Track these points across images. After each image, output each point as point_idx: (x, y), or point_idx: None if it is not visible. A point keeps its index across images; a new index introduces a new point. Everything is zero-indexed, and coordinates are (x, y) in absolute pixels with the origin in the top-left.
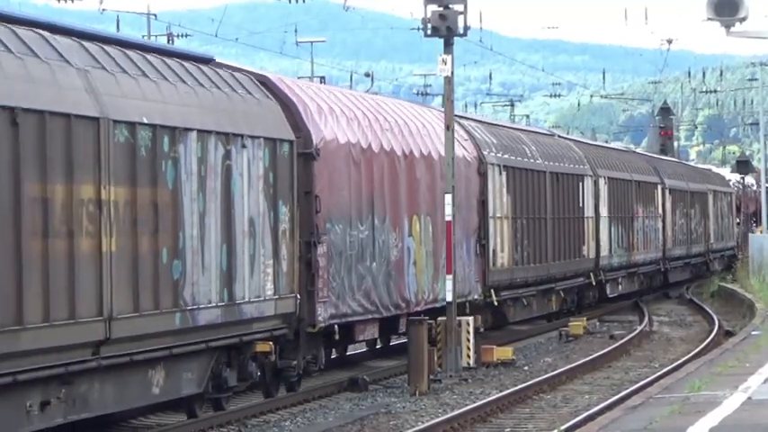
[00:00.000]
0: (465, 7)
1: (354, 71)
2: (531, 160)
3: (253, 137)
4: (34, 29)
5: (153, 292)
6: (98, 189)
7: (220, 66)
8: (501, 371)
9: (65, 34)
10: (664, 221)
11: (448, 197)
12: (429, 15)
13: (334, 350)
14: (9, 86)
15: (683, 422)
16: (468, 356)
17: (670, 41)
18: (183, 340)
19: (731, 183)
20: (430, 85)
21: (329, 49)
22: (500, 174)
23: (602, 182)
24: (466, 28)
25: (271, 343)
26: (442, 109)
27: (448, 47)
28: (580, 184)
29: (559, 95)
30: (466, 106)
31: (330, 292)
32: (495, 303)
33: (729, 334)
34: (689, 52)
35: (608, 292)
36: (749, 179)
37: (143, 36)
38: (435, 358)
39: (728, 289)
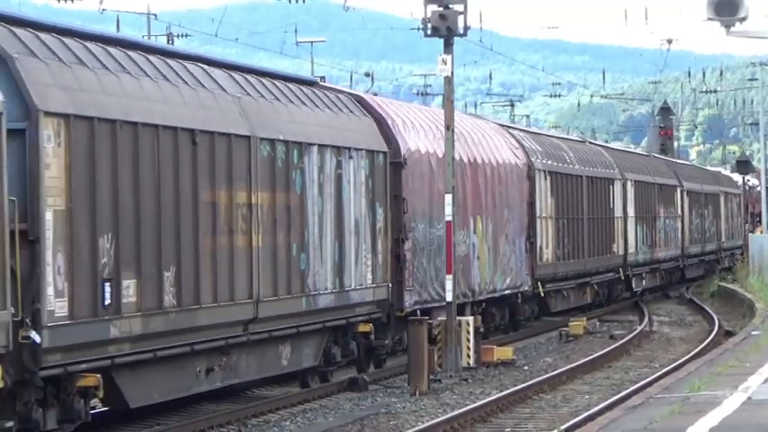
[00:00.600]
0: (465, 7)
1: (354, 71)
2: (570, 165)
3: (356, 149)
4: (198, 63)
5: (287, 279)
6: (249, 195)
7: (323, 87)
8: (501, 371)
9: (216, 66)
10: (682, 221)
11: (448, 197)
12: (429, 15)
13: None
14: (190, 113)
15: (683, 422)
16: (469, 356)
17: (670, 41)
18: (306, 321)
19: (738, 184)
20: (430, 85)
21: (329, 49)
22: (545, 178)
23: (629, 185)
24: (466, 28)
25: (371, 324)
26: (496, 120)
27: (448, 47)
28: (611, 186)
29: (559, 95)
30: (466, 106)
31: (414, 282)
32: (542, 294)
33: (729, 334)
34: (689, 52)
35: (633, 286)
36: (753, 180)
37: (143, 36)
38: (435, 358)
39: (728, 289)
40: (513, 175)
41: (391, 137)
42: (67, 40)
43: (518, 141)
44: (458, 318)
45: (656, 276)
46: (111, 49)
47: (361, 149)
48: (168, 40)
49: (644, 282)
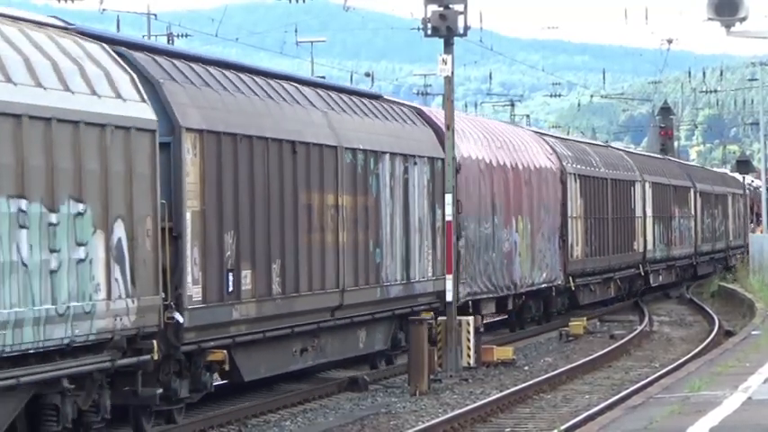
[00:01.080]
0: (465, 7)
1: (354, 71)
2: (597, 169)
3: (420, 156)
4: (291, 82)
5: (365, 272)
6: (336, 197)
7: (386, 101)
8: (501, 371)
9: (305, 84)
10: (695, 221)
11: (448, 197)
12: (429, 15)
13: None
14: (291, 127)
15: (683, 422)
16: (469, 356)
17: (670, 41)
18: (379, 308)
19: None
20: (430, 85)
21: (329, 49)
22: (575, 181)
23: (647, 186)
24: (466, 28)
25: (432, 312)
26: (534, 128)
27: (448, 47)
28: (632, 188)
29: (559, 95)
30: (466, 106)
31: (467, 275)
32: (573, 288)
33: (729, 334)
34: (689, 52)
35: (651, 281)
36: (757, 181)
37: (143, 36)
38: (435, 358)
39: (728, 289)
40: (548, 178)
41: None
42: (194, 66)
43: (551, 147)
44: (458, 318)
45: (671, 273)
46: (227, 72)
47: (423, 156)
48: (168, 40)
49: (660, 278)
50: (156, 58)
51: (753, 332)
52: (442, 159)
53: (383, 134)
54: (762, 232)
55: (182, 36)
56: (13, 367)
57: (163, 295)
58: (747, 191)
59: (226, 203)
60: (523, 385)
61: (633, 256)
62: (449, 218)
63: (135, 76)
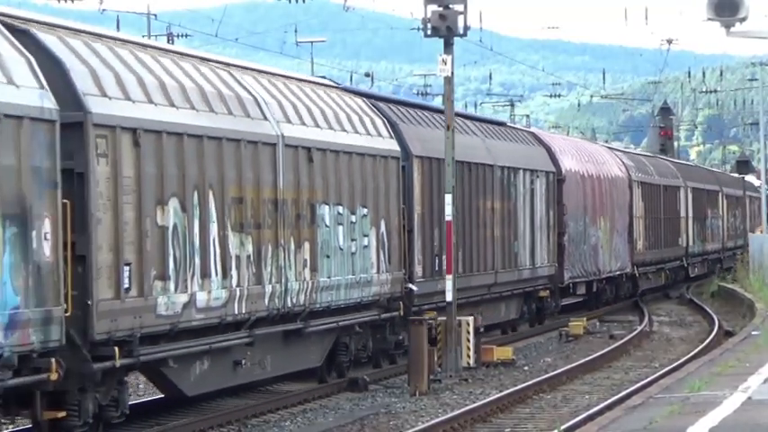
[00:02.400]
0: (465, 7)
1: (354, 71)
2: (653, 177)
3: (539, 171)
4: (464, 118)
5: (508, 258)
6: (493, 202)
7: (510, 126)
8: (501, 371)
9: (465, 117)
10: (722, 220)
11: (448, 197)
12: (429, 15)
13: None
14: (470, 152)
15: (683, 422)
16: (468, 356)
17: (670, 41)
18: (515, 287)
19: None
20: (430, 85)
21: (329, 49)
22: (638, 188)
23: (688, 191)
24: (466, 28)
25: (548, 291)
26: (611, 144)
27: (448, 47)
28: (677, 193)
29: (559, 95)
30: (466, 106)
31: (569, 263)
32: (637, 276)
33: (729, 334)
34: (689, 52)
35: (690, 273)
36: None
37: (143, 36)
38: (435, 358)
39: (728, 289)
40: (619, 185)
41: (555, 160)
42: (417, 111)
43: (621, 160)
44: (458, 318)
45: (704, 265)
46: (426, 113)
47: (541, 170)
48: (168, 40)
49: (696, 269)
50: (393, 107)
51: (753, 332)
52: (553, 172)
53: (517, 154)
54: (762, 232)
55: (181, 36)
56: (327, 317)
57: (403, 271)
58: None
59: (434, 208)
60: (523, 385)
61: (678, 250)
62: (448, 218)
63: (385, 120)
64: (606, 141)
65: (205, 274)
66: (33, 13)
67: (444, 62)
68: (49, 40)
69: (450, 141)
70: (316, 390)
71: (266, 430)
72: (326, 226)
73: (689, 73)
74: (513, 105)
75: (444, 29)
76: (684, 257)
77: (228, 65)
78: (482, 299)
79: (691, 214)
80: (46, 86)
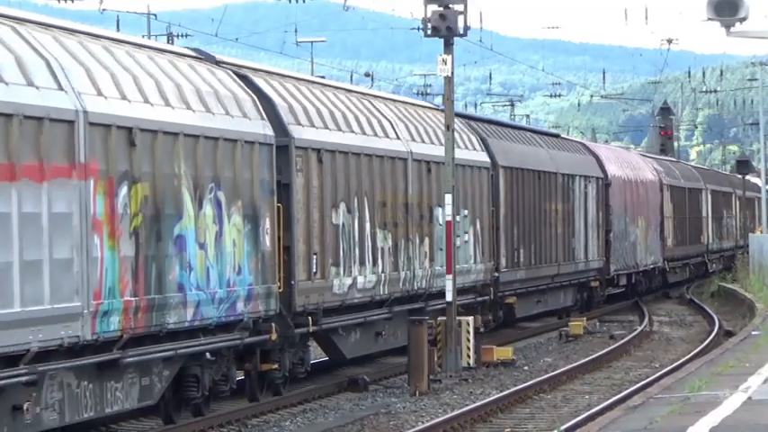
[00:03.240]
0: (465, 7)
1: (354, 71)
2: (679, 180)
3: (589, 176)
4: (524, 130)
5: (567, 252)
6: (556, 205)
7: (563, 138)
8: (501, 371)
9: (527, 130)
10: (736, 220)
11: (448, 197)
12: (429, 15)
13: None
14: (542, 162)
15: (683, 422)
16: (468, 356)
17: (670, 41)
18: (572, 278)
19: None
20: (430, 85)
21: (329, 49)
22: (667, 190)
23: (708, 193)
24: (466, 28)
25: (597, 281)
26: (644, 152)
27: (448, 47)
28: (699, 195)
29: (559, 95)
30: (466, 106)
31: (615, 257)
32: (666, 269)
33: (729, 334)
34: (689, 52)
35: (710, 268)
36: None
37: (143, 36)
38: (435, 358)
39: (728, 289)
40: (654, 188)
41: (603, 167)
42: (501, 129)
43: (653, 165)
44: (458, 318)
45: (721, 261)
46: (506, 128)
47: (592, 176)
48: (168, 40)
49: (714, 265)
50: (482, 124)
51: (753, 332)
52: (602, 178)
53: (573, 162)
54: (761, 232)
55: (181, 36)
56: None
57: (492, 262)
58: None
59: (515, 210)
60: (523, 385)
61: (700, 247)
62: (448, 218)
63: (477, 136)
64: (606, 141)
65: (362, 262)
66: (225, 56)
67: (444, 62)
68: (260, 82)
69: (450, 141)
70: (316, 390)
71: (266, 430)
72: (440, 224)
73: (689, 73)
74: (513, 105)
75: (444, 29)
76: (705, 254)
77: (366, 95)
78: (547, 287)
79: (710, 214)
80: (265, 118)
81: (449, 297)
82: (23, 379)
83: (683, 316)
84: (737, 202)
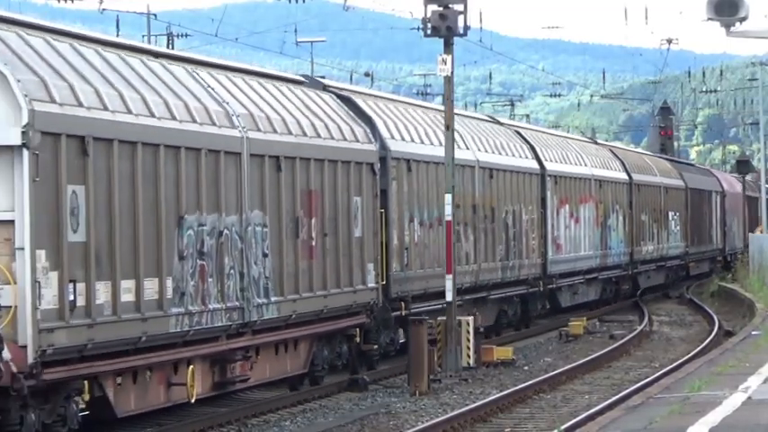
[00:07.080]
0: (465, 7)
1: (354, 71)
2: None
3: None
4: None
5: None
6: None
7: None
8: (501, 371)
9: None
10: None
11: (448, 197)
12: (429, 15)
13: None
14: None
15: (683, 422)
16: (468, 356)
17: (670, 41)
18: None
19: None
20: (430, 85)
21: (329, 49)
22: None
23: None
24: (466, 28)
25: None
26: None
27: (448, 47)
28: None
29: (559, 95)
30: (466, 106)
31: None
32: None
33: (729, 334)
34: (689, 52)
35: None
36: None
37: (143, 36)
38: (435, 358)
39: (728, 289)
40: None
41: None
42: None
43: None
44: (458, 318)
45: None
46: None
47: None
48: (168, 40)
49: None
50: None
51: (753, 332)
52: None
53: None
54: (762, 232)
55: (181, 36)
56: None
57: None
58: None
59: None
60: (523, 385)
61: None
62: (448, 218)
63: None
64: (606, 141)
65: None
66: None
67: (444, 62)
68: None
69: (450, 142)
70: (316, 390)
71: (266, 430)
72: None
73: (689, 73)
74: (513, 105)
75: (444, 29)
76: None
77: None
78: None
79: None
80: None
81: (449, 297)
82: (580, 281)
83: (682, 316)
84: (746, 203)
